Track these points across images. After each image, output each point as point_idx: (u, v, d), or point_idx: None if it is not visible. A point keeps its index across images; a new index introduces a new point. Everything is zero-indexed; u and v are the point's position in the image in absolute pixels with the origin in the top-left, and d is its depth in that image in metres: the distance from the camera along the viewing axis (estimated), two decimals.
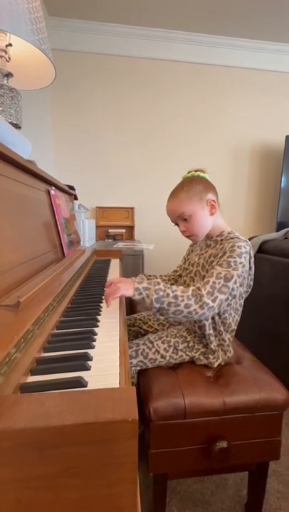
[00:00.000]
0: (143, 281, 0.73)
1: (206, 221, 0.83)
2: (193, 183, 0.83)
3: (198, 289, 0.72)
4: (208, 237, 0.87)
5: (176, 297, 0.70)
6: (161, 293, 0.70)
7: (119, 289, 0.69)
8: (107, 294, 0.69)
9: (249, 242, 0.79)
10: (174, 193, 0.85)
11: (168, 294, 0.70)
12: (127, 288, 0.70)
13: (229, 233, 0.83)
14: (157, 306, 0.70)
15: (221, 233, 0.84)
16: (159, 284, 0.72)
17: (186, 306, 0.70)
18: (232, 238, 0.80)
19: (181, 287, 0.73)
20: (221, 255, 0.77)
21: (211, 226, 0.85)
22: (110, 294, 0.69)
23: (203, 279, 0.85)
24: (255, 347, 1.43)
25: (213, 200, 0.83)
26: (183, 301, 0.70)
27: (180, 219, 0.84)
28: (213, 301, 0.71)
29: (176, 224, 0.87)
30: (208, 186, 0.84)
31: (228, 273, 0.73)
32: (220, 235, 0.84)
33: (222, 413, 0.72)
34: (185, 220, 0.83)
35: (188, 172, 0.88)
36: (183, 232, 0.86)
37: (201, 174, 0.87)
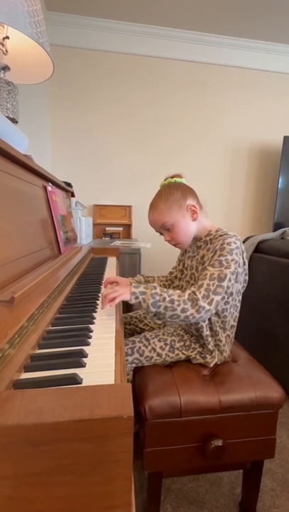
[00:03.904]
0: (140, 286, 0.72)
1: (189, 227, 0.83)
2: (171, 191, 0.82)
3: (194, 293, 0.72)
4: (198, 239, 0.87)
5: (172, 301, 0.69)
6: (157, 297, 0.70)
7: (118, 296, 0.68)
8: (104, 295, 0.69)
9: (239, 237, 0.79)
10: (153, 204, 0.84)
11: (164, 299, 0.70)
12: (124, 291, 0.70)
13: (217, 231, 0.82)
14: (154, 310, 0.70)
15: (209, 233, 0.84)
16: (155, 288, 0.71)
17: (183, 310, 0.69)
18: (221, 236, 0.79)
19: (178, 291, 0.72)
20: (212, 255, 0.77)
21: (195, 231, 0.84)
22: (108, 297, 0.68)
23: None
24: (251, 346, 1.44)
25: (194, 205, 0.82)
26: (179, 305, 0.69)
27: (163, 229, 0.84)
28: (210, 303, 0.71)
29: (161, 233, 0.87)
30: (186, 191, 0.83)
31: (221, 272, 0.73)
32: (208, 235, 0.84)
33: (217, 411, 0.72)
34: (168, 229, 0.83)
35: (165, 179, 0.87)
36: (168, 241, 0.86)
37: (178, 180, 0.85)
